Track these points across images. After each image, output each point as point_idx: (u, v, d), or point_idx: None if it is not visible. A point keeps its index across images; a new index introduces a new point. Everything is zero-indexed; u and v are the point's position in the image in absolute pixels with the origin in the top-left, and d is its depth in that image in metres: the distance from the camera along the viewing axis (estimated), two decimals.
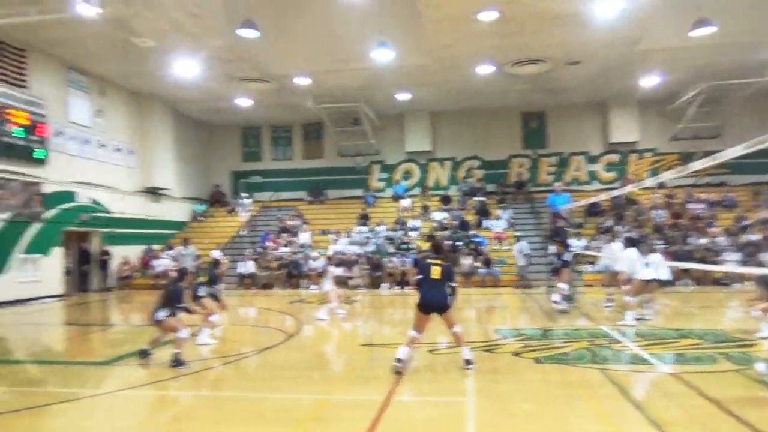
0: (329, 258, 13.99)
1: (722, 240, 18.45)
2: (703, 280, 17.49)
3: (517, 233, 20.07)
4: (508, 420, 5.02)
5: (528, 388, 6.08)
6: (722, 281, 17.26)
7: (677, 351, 7.65)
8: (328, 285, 12.30)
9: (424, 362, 7.52)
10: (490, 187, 24.38)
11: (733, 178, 22.80)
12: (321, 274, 12.32)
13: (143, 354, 7.63)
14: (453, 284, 7.15)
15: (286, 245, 21.12)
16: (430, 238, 20.48)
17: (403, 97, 22.59)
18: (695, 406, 5.33)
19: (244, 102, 22.53)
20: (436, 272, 7.02)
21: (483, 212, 22.42)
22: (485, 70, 19.08)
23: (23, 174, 16.09)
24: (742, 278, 16.44)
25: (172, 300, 7.65)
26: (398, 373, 6.61)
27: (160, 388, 6.49)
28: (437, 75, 19.72)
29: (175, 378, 6.80)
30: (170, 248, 21.16)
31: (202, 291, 9.07)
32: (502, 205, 22.84)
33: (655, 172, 22.65)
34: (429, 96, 22.62)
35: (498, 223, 21.67)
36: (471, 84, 20.79)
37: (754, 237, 18.12)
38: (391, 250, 20.13)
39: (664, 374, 6.43)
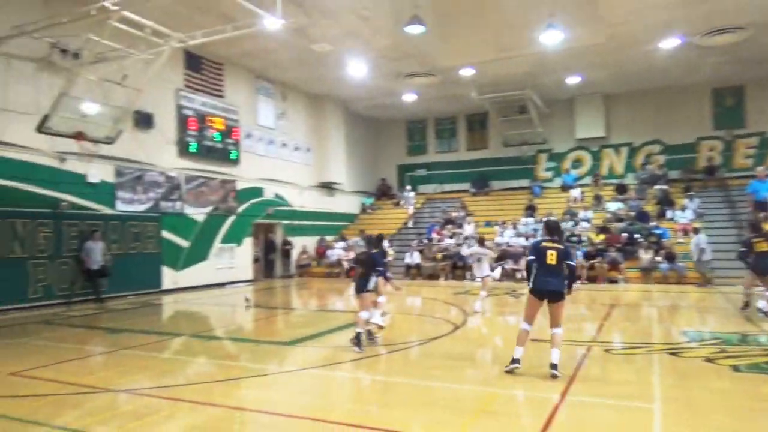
0: (481, 242, 12.77)
1: None
2: None
3: (700, 225, 17.85)
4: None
5: (724, 399, 5.41)
6: None
7: None
8: (480, 272, 11.66)
9: (600, 362, 7.08)
10: (674, 174, 22.06)
11: None
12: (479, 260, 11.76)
13: (357, 339, 7.75)
14: (571, 263, 6.51)
15: (450, 237, 21.28)
16: (602, 230, 19.22)
17: (573, 80, 21.38)
18: None
19: (409, 97, 23.14)
20: (552, 256, 6.42)
21: (666, 202, 20.39)
22: (669, 44, 17.25)
23: (221, 173, 18.32)
24: None
25: (373, 265, 8.17)
26: (510, 372, 6.29)
27: (335, 370, 6.94)
28: (611, 54, 18.32)
29: (350, 361, 7.23)
30: (342, 239, 22.57)
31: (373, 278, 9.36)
32: (689, 193, 20.51)
33: None
34: (602, 78, 21.11)
35: (683, 213, 19.56)
36: (651, 61, 18.96)
37: None
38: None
39: None
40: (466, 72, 19.87)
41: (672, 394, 5.56)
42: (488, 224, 22.00)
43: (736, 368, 6.46)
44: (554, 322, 6.48)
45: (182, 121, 16.87)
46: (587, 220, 20.51)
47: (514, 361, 6.36)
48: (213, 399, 5.56)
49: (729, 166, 21.73)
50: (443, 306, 12.95)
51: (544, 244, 6.64)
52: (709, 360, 6.86)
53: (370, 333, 8.29)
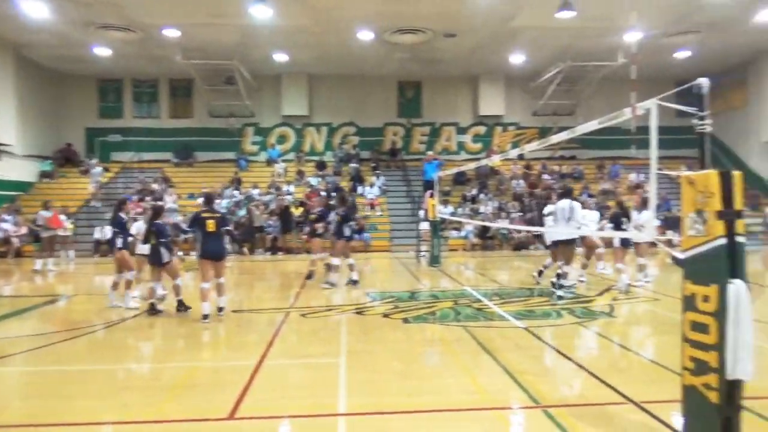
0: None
1: None
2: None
3: (384, 200, 20.55)
4: (379, 377, 5.21)
5: (397, 347, 6.34)
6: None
7: (529, 308, 8.39)
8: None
9: (296, 326, 7.53)
10: (365, 154, 24.68)
11: (583, 153, 25.18)
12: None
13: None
14: (229, 229, 8.38)
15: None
16: (302, 203, 20.39)
17: (280, 58, 21.90)
18: (543, 355, 5.92)
19: (102, 51, 20.48)
20: (211, 224, 7.71)
21: (357, 179, 22.69)
22: (365, 36, 19.05)
23: None
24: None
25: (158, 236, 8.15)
26: (206, 319, 7.49)
27: (4, 365, 5.86)
28: (317, 37, 19.33)
29: (22, 353, 6.20)
30: (16, 211, 18.91)
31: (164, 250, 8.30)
32: (376, 172, 23.25)
33: (516, 145, 24.28)
34: (308, 59, 22.14)
35: (371, 189, 22.07)
36: (351, 49, 20.67)
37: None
38: (265, 215, 19.72)
39: (518, 329, 7.03)
40: (171, 33, 18.55)
41: (355, 347, 6.28)
42: (192, 196, 21.19)
43: (405, 320, 7.62)
44: (218, 275, 7.85)
45: None
46: (290, 194, 21.45)
47: (205, 317, 7.53)
48: None
49: (408, 150, 25.29)
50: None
51: (203, 214, 7.84)
52: (385, 315, 7.95)
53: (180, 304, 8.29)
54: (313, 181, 22.41)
